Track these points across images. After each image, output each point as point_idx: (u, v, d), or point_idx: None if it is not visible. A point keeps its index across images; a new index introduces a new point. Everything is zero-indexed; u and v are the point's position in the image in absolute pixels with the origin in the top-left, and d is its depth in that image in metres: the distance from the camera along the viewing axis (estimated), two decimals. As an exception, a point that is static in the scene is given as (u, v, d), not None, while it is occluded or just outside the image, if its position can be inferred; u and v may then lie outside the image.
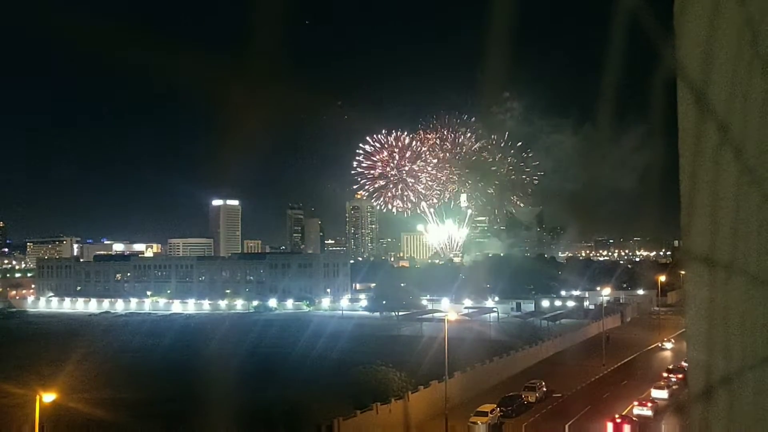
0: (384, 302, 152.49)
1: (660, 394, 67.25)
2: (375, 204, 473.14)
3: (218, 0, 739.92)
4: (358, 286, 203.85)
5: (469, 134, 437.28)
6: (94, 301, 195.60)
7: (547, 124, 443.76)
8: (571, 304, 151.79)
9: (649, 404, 62.32)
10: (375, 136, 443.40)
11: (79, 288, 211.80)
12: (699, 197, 2.33)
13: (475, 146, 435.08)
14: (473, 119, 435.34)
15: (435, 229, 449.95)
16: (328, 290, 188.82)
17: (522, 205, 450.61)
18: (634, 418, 57.52)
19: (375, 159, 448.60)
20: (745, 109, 2.44)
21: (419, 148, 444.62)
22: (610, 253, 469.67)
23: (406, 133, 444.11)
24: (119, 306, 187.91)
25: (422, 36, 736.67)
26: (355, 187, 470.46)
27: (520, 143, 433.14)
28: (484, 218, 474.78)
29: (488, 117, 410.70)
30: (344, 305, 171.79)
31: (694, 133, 2.29)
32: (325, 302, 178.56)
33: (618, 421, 55.03)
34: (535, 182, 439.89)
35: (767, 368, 2.73)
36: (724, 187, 2.40)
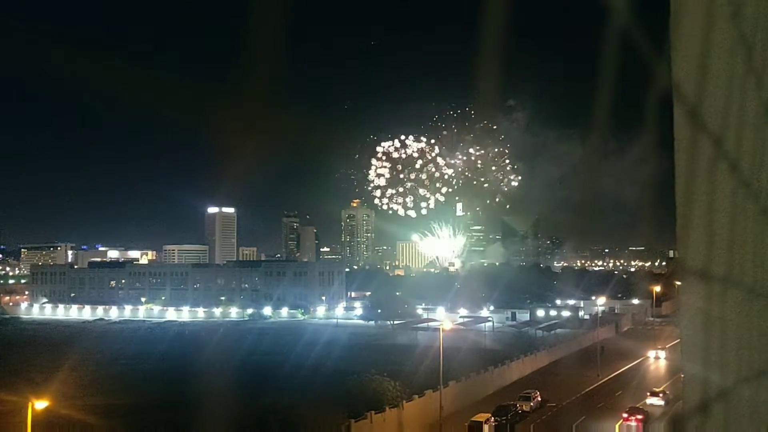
0: (379, 311, 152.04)
1: None
2: (382, 203, 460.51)
3: (216, 7, 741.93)
4: (353, 294, 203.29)
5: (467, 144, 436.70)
6: (88, 308, 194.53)
7: (544, 138, 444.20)
8: (566, 313, 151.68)
9: (661, 395, 63.30)
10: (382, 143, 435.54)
11: (73, 295, 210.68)
12: (694, 210, 2.35)
13: (474, 156, 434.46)
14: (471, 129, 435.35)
15: (431, 239, 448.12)
16: (324, 298, 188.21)
17: (511, 217, 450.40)
18: (646, 410, 58.28)
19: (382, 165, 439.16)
20: (739, 123, 2.46)
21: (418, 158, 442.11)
22: (605, 263, 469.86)
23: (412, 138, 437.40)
24: (113, 313, 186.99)
25: (421, 47, 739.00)
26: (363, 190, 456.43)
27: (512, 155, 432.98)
28: (479, 227, 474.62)
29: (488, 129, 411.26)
30: (339, 314, 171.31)
31: (689, 146, 2.31)
32: (320, 310, 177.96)
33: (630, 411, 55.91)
34: (534, 196, 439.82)
35: (763, 381, 2.74)
36: (719, 200, 2.42)
